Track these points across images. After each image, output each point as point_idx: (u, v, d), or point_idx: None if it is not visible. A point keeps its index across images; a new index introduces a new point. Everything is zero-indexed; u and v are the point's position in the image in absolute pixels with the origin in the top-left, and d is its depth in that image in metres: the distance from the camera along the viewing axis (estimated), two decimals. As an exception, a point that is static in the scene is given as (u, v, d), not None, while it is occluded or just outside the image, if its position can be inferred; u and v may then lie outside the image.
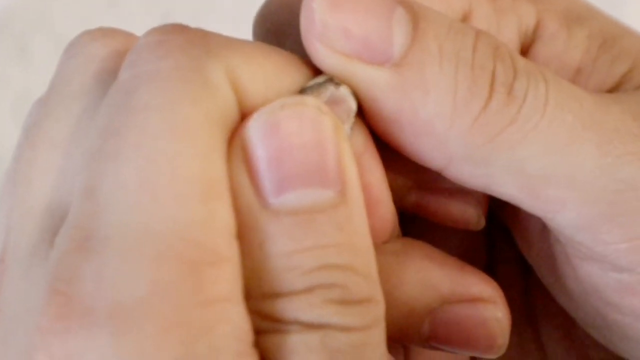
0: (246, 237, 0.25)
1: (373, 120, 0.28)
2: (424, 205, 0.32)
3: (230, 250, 0.24)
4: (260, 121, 0.26)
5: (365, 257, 0.26)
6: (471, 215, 0.32)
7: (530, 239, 0.33)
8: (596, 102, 0.28)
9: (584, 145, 0.27)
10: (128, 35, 0.29)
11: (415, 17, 0.28)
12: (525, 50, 0.33)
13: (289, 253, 0.25)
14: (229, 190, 0.25)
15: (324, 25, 0.27)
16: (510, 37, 0.32)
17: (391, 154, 0.29)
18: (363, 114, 0.29)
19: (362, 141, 0.28)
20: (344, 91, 0.28)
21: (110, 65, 0.28)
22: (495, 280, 0.31)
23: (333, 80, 0.28)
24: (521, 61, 0.28)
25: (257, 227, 0.25)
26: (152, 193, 0.23)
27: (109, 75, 0.27)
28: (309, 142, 0.25)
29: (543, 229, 0.31)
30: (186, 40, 0.26)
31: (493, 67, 0.28)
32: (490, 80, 0.27)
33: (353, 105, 0.28)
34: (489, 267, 0.36)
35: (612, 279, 0.29)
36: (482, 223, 0.33)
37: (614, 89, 0.31)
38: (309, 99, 0.26)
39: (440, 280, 0.30)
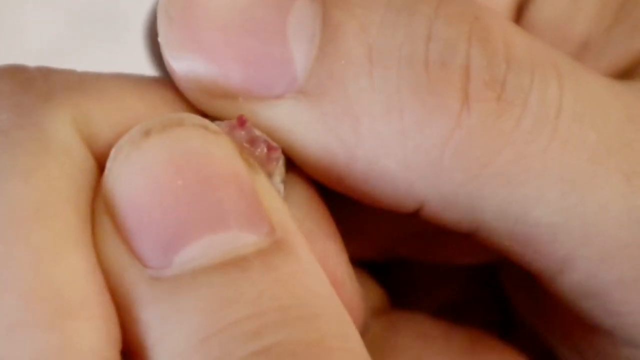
0: (137, 345, 0.18)
1: (308, 170, 0.21)
2: (423, 249, 0.25)
3: None
4: (119, 159, 0.19)
5: (337, 317, 0.18)
6: (481, 252, 0.24)
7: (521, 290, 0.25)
8: (626, 107, 0.20)
9: (610, 179, 0.19)
10: None
11: (326, 6, 0.19)
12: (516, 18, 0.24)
13: (203, 340, 0.18)
14: (98, 291, 0.18)
15: (174, 58, 0.20)
16: (502, 2, 0.23)
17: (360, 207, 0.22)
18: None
19: (306, 197, 0.21)
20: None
21: None
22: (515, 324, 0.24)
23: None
24: (520, 42, 0.20)
25: (150, 317, 0.18)
26: None
27: None
28: (198, 177, 0.18)
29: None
30: (16, 88, 0.20)
31: (466, 57, 0.19)
32: (461, 80, 0.19)
33: (277, 151, 0.20)
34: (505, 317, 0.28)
35: (625, 356, 0.22)
36: (496, 257, 0.24)
37: (631, 72, 0.23)
38: (188, 116, 0.19)
39: None
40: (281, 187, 0.20)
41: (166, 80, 0.21)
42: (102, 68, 0.21)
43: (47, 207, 0.18)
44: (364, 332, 0.22)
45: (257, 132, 0.20)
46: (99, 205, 0.19)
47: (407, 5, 0.19)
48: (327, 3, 0.19)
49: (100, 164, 0.20)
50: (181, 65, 0.20)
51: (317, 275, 0.19)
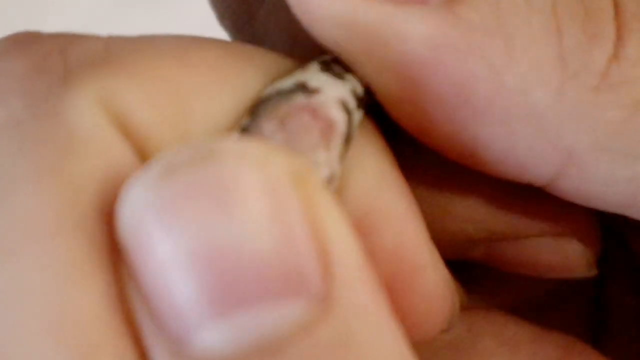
0: None
1: (412, 116, 0.18)
2: (501, 256, 0.21)
3: None
4: (133, 204, 0.14)
5: None
6: (577, 262, 0.21)
7: None
8: None
9: None
10: None
11: None
12: None
13: None
14: (122, 328, 0.15)
15: None
16: None
17: (441, 183, 0.20)
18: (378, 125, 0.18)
19: (375, 173, 0.18)
20: (325, 96, 0.17)
21: None
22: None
23: (307, 84, 0.17)
24: None
25: None
26: None
27: None
28: (234, 230, 0.14)
29: None
30: (30, 67, 0.16)
31: None
32: (613, 10, 0.18)
33: (340, 118, 0.17)
34: (597, 314, 0.25)
35: None
36: (594, 271, 0.22)
37: None
38: (224, 144, 0.14)
39: None
40: (337, 168, 0.17)
41: (208, 39, 0.17)
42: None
43: (69, 219, 0.15)
44: (451, 324, 0.20)
45: (330, 93, 0.17)
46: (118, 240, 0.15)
47: None
48: None
49: (141, 151, 0.16)
50: None
51: (380, 337, 0.15)
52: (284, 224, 0.14)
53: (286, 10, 0.18)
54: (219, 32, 0.23)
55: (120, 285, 0.15)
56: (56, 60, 0.16)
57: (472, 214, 0.21)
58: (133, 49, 0.16)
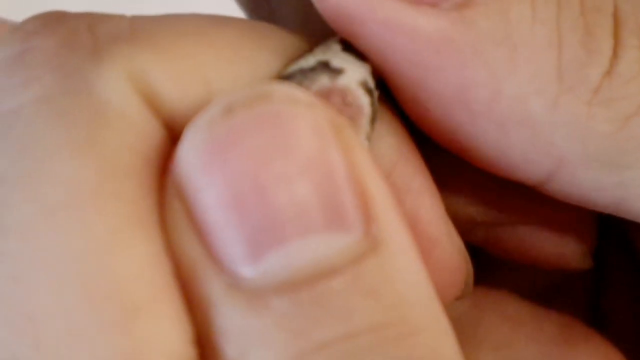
0: (214, 348, 0.16)
1: (414, 108, 0.18)
2: (500, 241, 0.22)
3: None
4: (197, 141, 0.16)
5: (435, 332, 0.16)
6: (572, 253, 0.22)
7: None
8: None
9: None
10: None
11: None
12: None
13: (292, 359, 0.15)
14: (168, 285, 0.16)
15: None
16: None
17: (445, 165, 0.20)
18: (392, 103, 0.18)
19: (393, 146, 0.19)
20: (348, 78, 0.17)
21: None
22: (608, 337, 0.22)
23: (329, 63, 0.17)
24: None
25: (229, 326, 0.15)
26: (35, 333, 0.15)
27: None
28: (293, 163, 0.15)
29: None
30: (60, 44, 0.17)
31: (614, 7, 0.18)
32: (612, 26, 0.18)
33: (365, 101, 0.18)
34: (596, 309, 0.26)
35: None
36: (589, 262, 0.22)
37: None
38: (278, 87, 0.16)
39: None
40: (366, 144, 0.18)
41: (229, 18, 0.18)
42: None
43: (106, 187, 0.15)
44: (464, 292, 0.20)
45: (352, 76, 0.17)
46: (169, 186, 0.16)
47: None
48: None
49: (167, 126, 0.17)
50: None
51: (417, 278, 0.17)
52: (327, 164, 0.16)
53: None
54: (236, 12, 0.24)
55: (168, 239, 0.16)
56: (85, 37, 0.17)
57: (475, 198, 0.21)
58: (158, 28, 0.17)
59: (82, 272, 0.15)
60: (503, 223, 0.22)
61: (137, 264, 0.15)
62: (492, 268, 0.24)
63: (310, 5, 0.18)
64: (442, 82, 0.18)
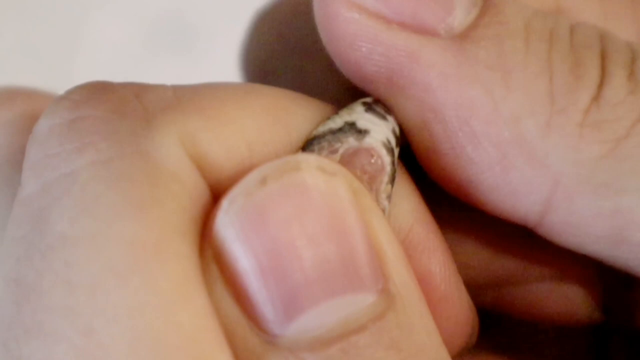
0: None
1: (423, 143, 0.20)
2: (508, 302, 0.23)
3: None
4: (233, 212, 0.17)
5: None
6: (580, 308, 0.23)
7: None
8: None
9: None
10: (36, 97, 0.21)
11: None
12: None
13: None
14: (222, 338, 0.17)
15: None
16: None
17: (456, 228, 0.21)
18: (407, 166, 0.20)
19: (410, 208, 0.20)
20: (373, 139, 0.19)
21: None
22: None
23: (356, 124, 0.19)
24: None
25: None
26: None
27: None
28: (318, 228, 0.17)
29: None
30: (111, 111, 0.18)
31: (601, 46, 0.20)
32: (600, 58, 0.20)
33: (387, 161, 0.19)
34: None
35: None
36: (597, 316, 0.23)
37: None
38: (305, 158, 0.17)
39: None
40: (386, 203, 0.19)
41: (262, 86, 0.19)
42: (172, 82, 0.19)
43: (166, 246, 0.16)
44: (469, 344, 0.21)
45: (376, 136, 0.19)
46: (206, 248, 0.17)
47: (550, 14, 0.20)
48: None
49: (211, 186, 0.18)
50: None
51: (429, 328, 0.18)
52: (347, 228, 0.17)
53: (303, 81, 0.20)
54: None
55: (214, 297, 0.17)
56: (134, 105, 0.18)
57: (474, 259, 0.22)
58: (201, 96, 0.18)
59: (150, 325, 0.16)
60: (511, 283, 0.22)
61: (197, 318, 0.16)
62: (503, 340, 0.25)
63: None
64: (444, 101, 0.19)
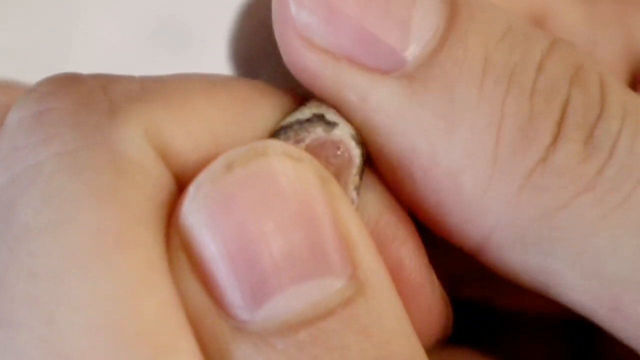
0: None
1: (382, 168, 0.20)
2: (491, 293, 0.23)
3: None
4: (200, 198, 0.17)
5: (407, 350, 0.18)
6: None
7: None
8: None
9: None
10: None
11: (455, 5, 0.19)
12: (637, 80, 0.23)
13: None
14: (186, 328, 0.17)
15: (301, 5, 0.18)
16: (612, 58, 0.23)
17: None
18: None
19: (377, 202, 0.20)
20: (341, 131, 0.19)
21: None
22: None
23: (324, 116, 0.19)
24: (617, 92, 0.19)
25: None
26: None
27: None
28: (285, 214, 0.17)
29: None
30: (77, 103, 0.18)
31: (566, 96, 0.19)
32: (558, 116, 0.19)
33: (356, 153, 0.19)
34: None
35: None
36: None
37: None
38: (272, 144, 0.18)
39: None
40: (355, 195, 0.19)
41: (230, 77, 0.20)
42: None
43: (128, 235, 0.17)
44: (445, 336, 0.21)
45: (344, 129, 0.19)
46: (173, 236, 0.17)
47: (528, 30, 0.19)
48: (455, 3, 0.19)
49: (177, 177, 0.18)
50: (301, 14, 0.18)
51: (400, 316, 0.18)
52: (314, 214, 0.17)
53: (285, 75, 0.20)
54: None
55: (181, 286, 0.17)
56: (100, 96, 0.18)
57: (456, 250, 0.21)
58: (167, 87, 0.18)
59: (111, 314, 0.16)
60: (494, 273, 0.22)
61: (160, 307, 0.16)
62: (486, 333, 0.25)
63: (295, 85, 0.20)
64: (388, 143, 0.19)
